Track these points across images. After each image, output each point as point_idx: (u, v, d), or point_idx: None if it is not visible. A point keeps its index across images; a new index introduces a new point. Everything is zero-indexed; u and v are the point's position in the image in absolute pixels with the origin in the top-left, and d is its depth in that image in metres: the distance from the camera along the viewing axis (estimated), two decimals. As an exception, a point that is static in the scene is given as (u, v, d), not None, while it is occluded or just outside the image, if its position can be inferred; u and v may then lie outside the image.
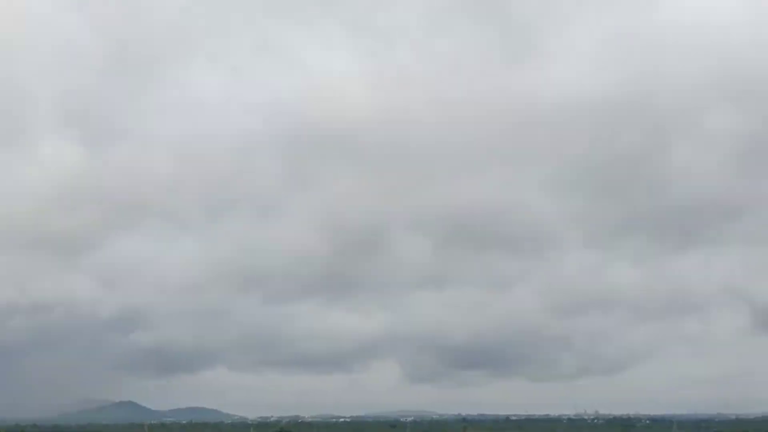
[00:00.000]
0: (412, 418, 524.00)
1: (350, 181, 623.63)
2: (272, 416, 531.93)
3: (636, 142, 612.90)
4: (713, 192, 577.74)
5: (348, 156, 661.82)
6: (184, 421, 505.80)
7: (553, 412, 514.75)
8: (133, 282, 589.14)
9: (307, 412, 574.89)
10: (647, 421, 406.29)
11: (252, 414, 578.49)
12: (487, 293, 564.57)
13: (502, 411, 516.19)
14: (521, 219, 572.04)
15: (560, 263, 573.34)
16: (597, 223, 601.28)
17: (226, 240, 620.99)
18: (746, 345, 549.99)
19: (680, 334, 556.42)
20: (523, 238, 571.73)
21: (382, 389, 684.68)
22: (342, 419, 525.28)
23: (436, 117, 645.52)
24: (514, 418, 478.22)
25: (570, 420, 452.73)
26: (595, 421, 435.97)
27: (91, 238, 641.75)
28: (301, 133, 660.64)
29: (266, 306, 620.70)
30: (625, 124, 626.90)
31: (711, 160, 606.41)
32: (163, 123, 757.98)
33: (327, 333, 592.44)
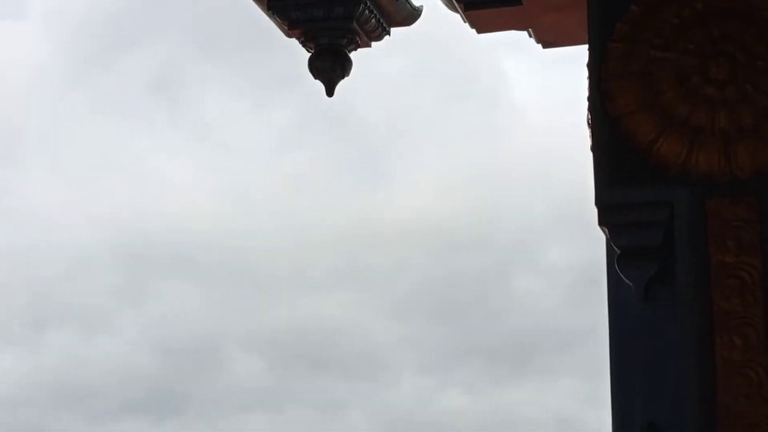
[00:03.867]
0: None
1: (185, 297, 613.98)
2: None
3: (476, 271, 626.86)
4: (548, 324, 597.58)
5: (185, 271, 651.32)
6: None
7: None
8: None
9: None
10: None
11: None
12: (321, 416, 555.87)
13: None
14: (357, 342, 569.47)
15: (393, 387, 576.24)
16: (432, 349, 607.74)
17: (50, 354, 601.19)
18: None
19: None
20: (358, 360, 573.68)
21: None
22: None
23: (278, 235, 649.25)
24: None
25: None
26: None
27: None
28: (138, 245, 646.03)
29: (88, 424, 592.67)
30: (465, 253, 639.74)
31: (548, 292, 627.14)
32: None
33: None
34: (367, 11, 3.37)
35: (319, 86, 3.46)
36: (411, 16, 3.54)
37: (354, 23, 3.39)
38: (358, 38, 3.46)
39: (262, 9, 3.44)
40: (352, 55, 3.48)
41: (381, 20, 3.46)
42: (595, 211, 2.67)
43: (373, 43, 3.56)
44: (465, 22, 3.42)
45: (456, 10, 3.39)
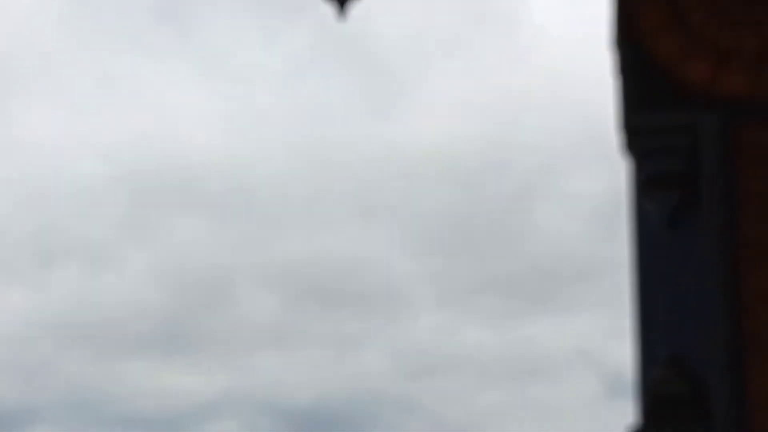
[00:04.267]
0: None
1: (195, 231, 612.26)
2: None
3: (496, 200, 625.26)
4: (570, 254, 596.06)
5: (194, 203, 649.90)
6: None
7: None
8: None
9: None
10: None
11: None
12: (334, 353, 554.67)
13: None
14: (373, 276, 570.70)
15: (411, 323, 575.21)
16: (451, 282, 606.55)
17: (57, 290, 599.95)
18: (592, 411, 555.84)
19: (528, 398, 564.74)
20: (373, 296, 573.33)
21: None
22: None
23: (290, 166, 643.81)
24: None
25: None
26: None
27: None
28: (144, 177, 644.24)
29: (97, 362, 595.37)
30: (486, 181, 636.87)
31: (569, 221, 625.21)
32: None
33: (162, 392, 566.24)
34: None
35: (331, 10, 3.37)
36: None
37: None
38: (370, -42, 3.35)
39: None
40: (366, -24, 3.35)
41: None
42: (618, 135, 2.59)
43: (389, -36, 3.44)
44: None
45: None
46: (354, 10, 3.32)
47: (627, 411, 2.26)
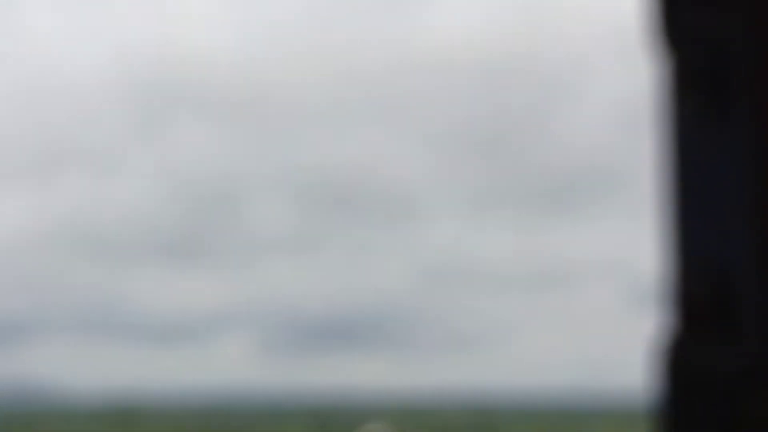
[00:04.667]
0: (264, 390, 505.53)
1: (205, 137, 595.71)
2: (111, 388, 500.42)
3: (519, 102, 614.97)
4: (593, 161, 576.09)
5: (205, 108, 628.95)
6: (15, 394, 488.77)
7: (413, 385, 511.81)
8: None
9: (151, 383, 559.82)
10: (508, 395, 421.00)
11: (92, 384, 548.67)
12: (348, 260, 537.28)
13: (358, 384, 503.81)
14: (388, 184, 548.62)
15: (428, 232, 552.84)
16: (469, 190, 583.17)
17: (63, 197, 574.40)
18: (616, 320, 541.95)
19: (548, 307, 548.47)
20: (391, 202, 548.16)
21: (231, 360, 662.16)
22: (187, 391, 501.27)
23: (303, 68, 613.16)
24: (371, 391, 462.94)
25: (429, 393, 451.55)
26: (455, 394, 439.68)
27: None
28: (152, 79, 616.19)
29: (108, 270, 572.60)
30: (507, 86, 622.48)
31: (596, 125, 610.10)
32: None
33: (173, 301, 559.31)
34: None
35: None
36: None
37: None
38: None
39: None
40: None
41: None
42: (646, 34, 2.32)
43: None
44: None
45: None
46: None
47: (651, 319, 2.18)
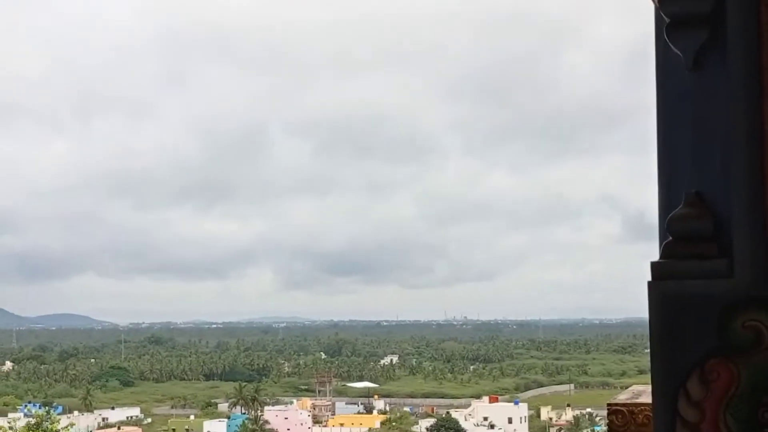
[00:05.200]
0: (285, 324, 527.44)
1: (228, 82, 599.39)
2: (143, 322, 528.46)
3: (524, 46, 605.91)
4: (596, 101, 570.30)
5: (227, 55, 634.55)
6: (53, 328, 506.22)
7: (424, 317, 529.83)
8: (0, 185, 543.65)
9: (179, 318, 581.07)
10: (514, 326, 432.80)
11: (123, 320, 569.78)
12: (364, 199, 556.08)
13: (373, 317, 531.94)
14: (403, 125, 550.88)
15: (439, 170, 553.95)
16: (478, 129, 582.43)
17: (97, 142, 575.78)
18: (615, 252, 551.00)
19: (551, 242, 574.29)
20: (403, 144, 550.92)
21: (256, 295, 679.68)
22: (214, 325, 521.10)
23: (320, 15, 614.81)
24: (385, 323, 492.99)
25: (439, 325, 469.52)
26: (464, 326, 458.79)
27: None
28: (178, 29, 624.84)
29: (138, 211, 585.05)
30: (512, 27, 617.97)
31: (596, 68, 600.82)
32: (32, 18, 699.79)
33: (200, 239, 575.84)
34: None
35: None
36: None
37: None
38: None
39: None
40: None
41: None
42: None
43: None
44: None
45: None
46: None
47: (650, 253, 2.40)
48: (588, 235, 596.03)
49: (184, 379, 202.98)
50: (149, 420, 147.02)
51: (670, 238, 2.46)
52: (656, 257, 2.48)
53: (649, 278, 2.42)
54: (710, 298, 2.37)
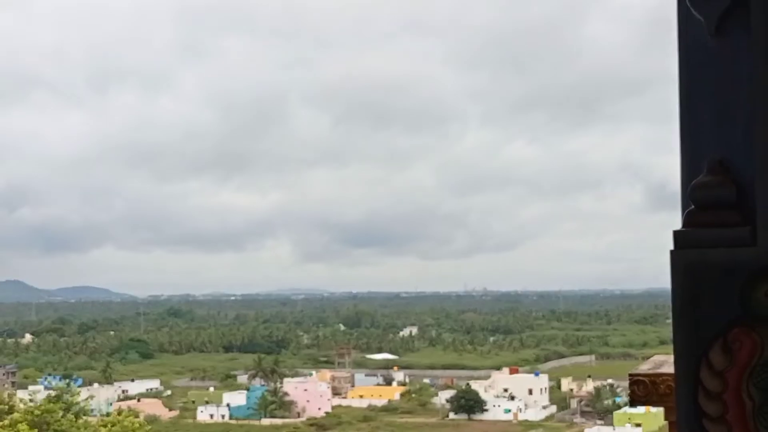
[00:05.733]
0: (304, 295, 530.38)
1: (245, 52, 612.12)
2: (162, 294, 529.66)
3: (544, 14, 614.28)
4: (617, 70, 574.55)
5: (245, 25, 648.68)
6: (72, 300, 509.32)
7: (443, 289, 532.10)
8: (18, 157, 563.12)
9: (198, 290, 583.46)
10: (534, 297, 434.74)
11: (142, 293, 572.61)
12: (384, 170, 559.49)
13: (393, 288, 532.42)
14: (422, 95, 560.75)
15: (459, 139, 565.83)
16: (499, 99, 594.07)
17: (115, 113, 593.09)
18: (637, 222, 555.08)
19: (572, 212, 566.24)
20: (422, 114, 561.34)
21: (274, 267, 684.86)
22: (233, 297, 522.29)
23: None
24: (404, 295, 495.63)
25: (458, 296, 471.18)
26: (483, 297, 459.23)
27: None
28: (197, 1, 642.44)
29: (156, 182, 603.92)
30: None
31: (618, 36, 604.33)
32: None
33: (219, 210, 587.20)
34: None
35: None
36: None
37: None
38: None
39: None
40: None
41: None
42: None
43: None
44: None
45: None
46: None
47: (672, 222, 2.41)
48: (609, 205, 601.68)
49: (203, 352, 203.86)
50: (169, 392, 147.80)
51: (693, 206, 2.43)
52: (679, 226, 2.45)
53: (672, 247, 2.40)
54: (733, 267, 2.34)
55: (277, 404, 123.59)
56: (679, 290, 2.38)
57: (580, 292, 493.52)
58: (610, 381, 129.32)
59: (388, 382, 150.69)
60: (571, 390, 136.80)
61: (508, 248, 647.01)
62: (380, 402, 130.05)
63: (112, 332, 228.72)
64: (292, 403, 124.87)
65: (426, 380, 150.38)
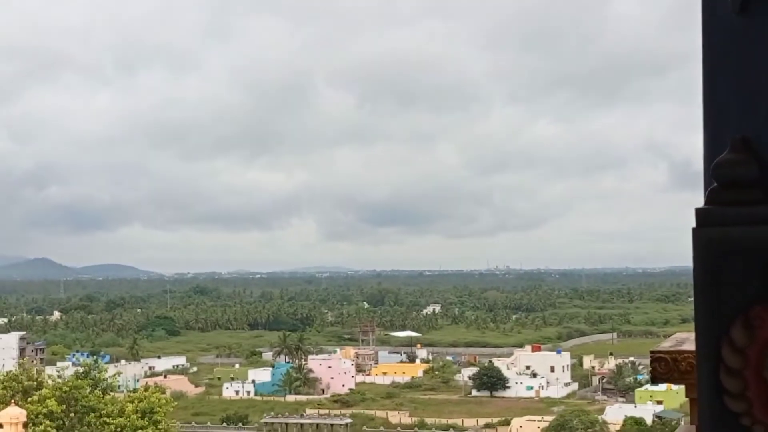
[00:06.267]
0: (328, 274, 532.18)
1: (272, 33, 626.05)
2: (189, 272, 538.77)
3: None
4: (641, 48, 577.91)
5: (271, 4, 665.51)
6: (100, 278, 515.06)
7: (466, 267, 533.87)
8: (47, 136, 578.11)
9: (224, 268, 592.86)
10: (557, 276, 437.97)
11: (168, 270, 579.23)
12: (409, 149, 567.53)
13: (416, 267, 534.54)
14: (447, 74, 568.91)
15: (483, 118, 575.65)
16: (523, 78, 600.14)
17: (142, 92, 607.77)
18: (660, 201, 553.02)
19: (596, 191, 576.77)
20: (447, 93, 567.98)
21: (299, 246, 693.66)
22: (258, 275, 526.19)
23: None
24: (427, 273, 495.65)
25: (481, 274, 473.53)
26: (506, 275, 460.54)
27: (2, 92, 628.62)
28: None
29: (183, 161, 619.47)
30: None
31: (644, 15, 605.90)
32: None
33: (245, 189, 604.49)
34: None
35: None
36: None
37: None
38: None
39: None
40: None
41: None
42: None
43: None
44: None
45: None
46: None
47: (695, 201, 2.39)
48: (633, 184, 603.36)
49: (228, 329, 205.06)
50: (195, 369, 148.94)
51: (715, 184, 2.42)
52: (701, 205, 2.44)
53: (694, 225, 2.39)
54: (755, 245, 2.33)
55: (301, 381, 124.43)
56: (700, 268, 2.37)
57: (603, 271, 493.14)
58: (631, 359, 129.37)
59: (412, 359, 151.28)
60: (593, 367, 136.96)
61: (532, 227, 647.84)
62: (403, 379, 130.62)
63: (138, 310, 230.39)
64: (316, 379, 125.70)
65: (449, 357, 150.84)
